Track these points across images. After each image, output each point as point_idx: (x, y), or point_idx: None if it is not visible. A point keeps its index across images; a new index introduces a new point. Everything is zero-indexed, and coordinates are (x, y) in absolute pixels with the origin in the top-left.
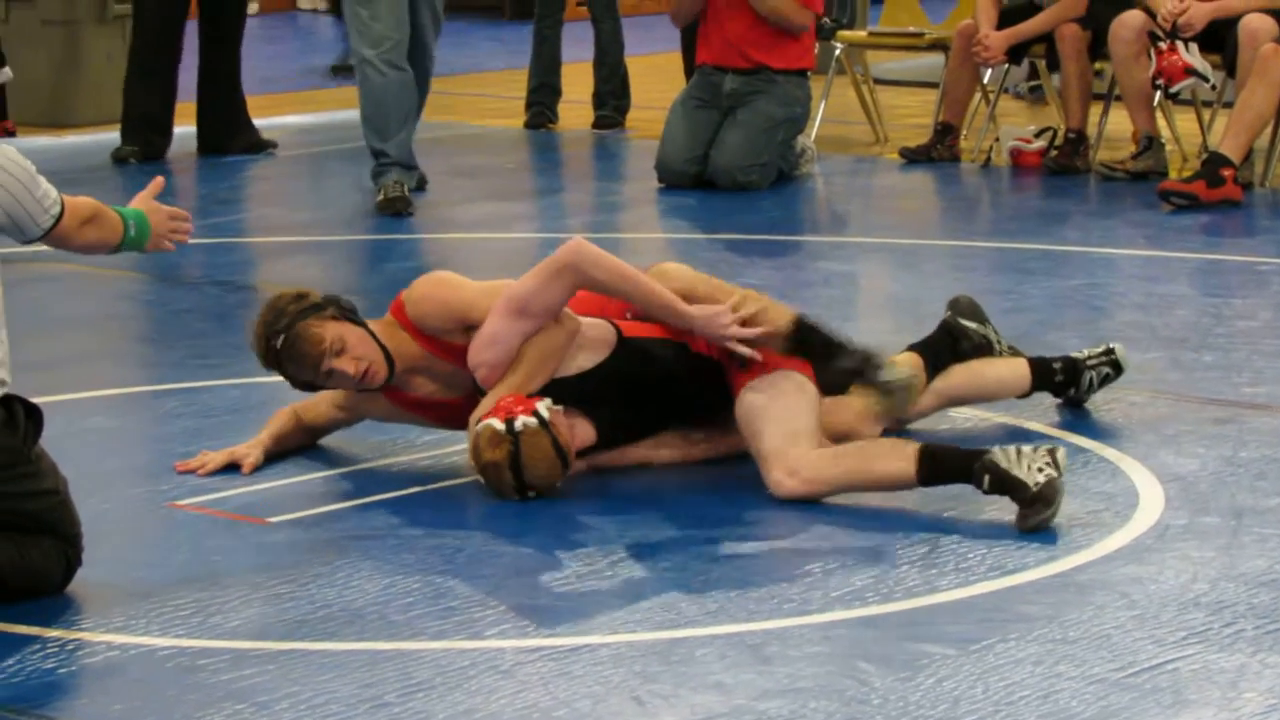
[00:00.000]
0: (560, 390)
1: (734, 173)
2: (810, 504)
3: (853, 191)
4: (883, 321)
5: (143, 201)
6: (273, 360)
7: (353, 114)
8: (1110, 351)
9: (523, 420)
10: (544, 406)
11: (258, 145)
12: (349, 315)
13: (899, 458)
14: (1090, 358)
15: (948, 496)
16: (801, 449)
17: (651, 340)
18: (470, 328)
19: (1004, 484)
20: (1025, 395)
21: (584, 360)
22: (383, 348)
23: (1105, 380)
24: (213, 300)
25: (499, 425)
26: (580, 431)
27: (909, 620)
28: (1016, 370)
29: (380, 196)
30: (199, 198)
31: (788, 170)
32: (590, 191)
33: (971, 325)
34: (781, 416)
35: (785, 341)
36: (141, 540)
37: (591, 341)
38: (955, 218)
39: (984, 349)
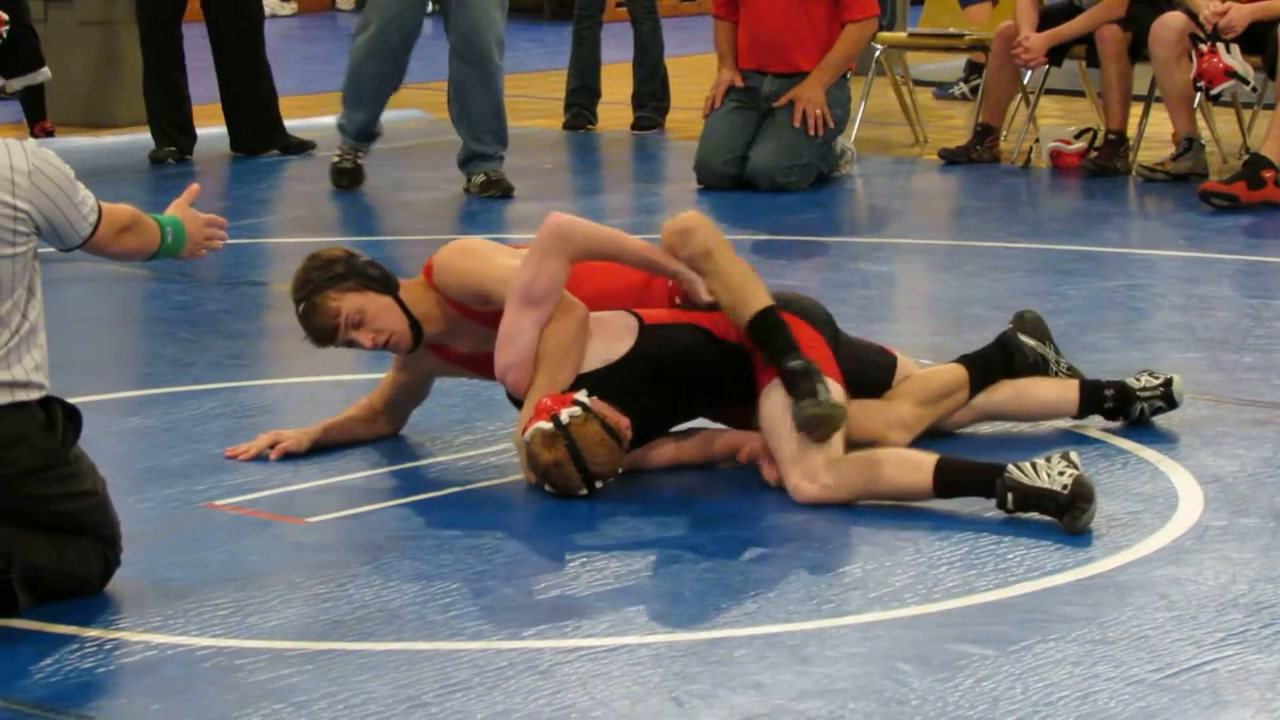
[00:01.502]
0: (589, 385)
1: (773, 174)
2: (846, 505)
3: (892, 193)
4: (921, 323)
5: (179, 208)
6: (299, 322)
7: (392, 114)
8: (1169, 384)
9: (567, 412)
10: (582, 394)
11: (295, 146)
12: (374, 283)
13: (916, 469)
14: (1145, 389)
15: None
16: (821, 455)
17: (675, 326)
18: (490, 302)
19: (1030, 499)
20: (1073, 418)
21: (608, 352)
22: (410, 316)
23: (1157, 412)
24: (249, 301)
25: (547, 425)
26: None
27: (947, 621)
28: (1064, 393)
29: (335, 158)
30: (233, 198)
31: (827, 171)
32: (629, 193)
33: (1030, 343)
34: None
35: (746, 328)
36: (179, 540)
37: (614, 332)
38: (995, 219)
39: (1038, 368)
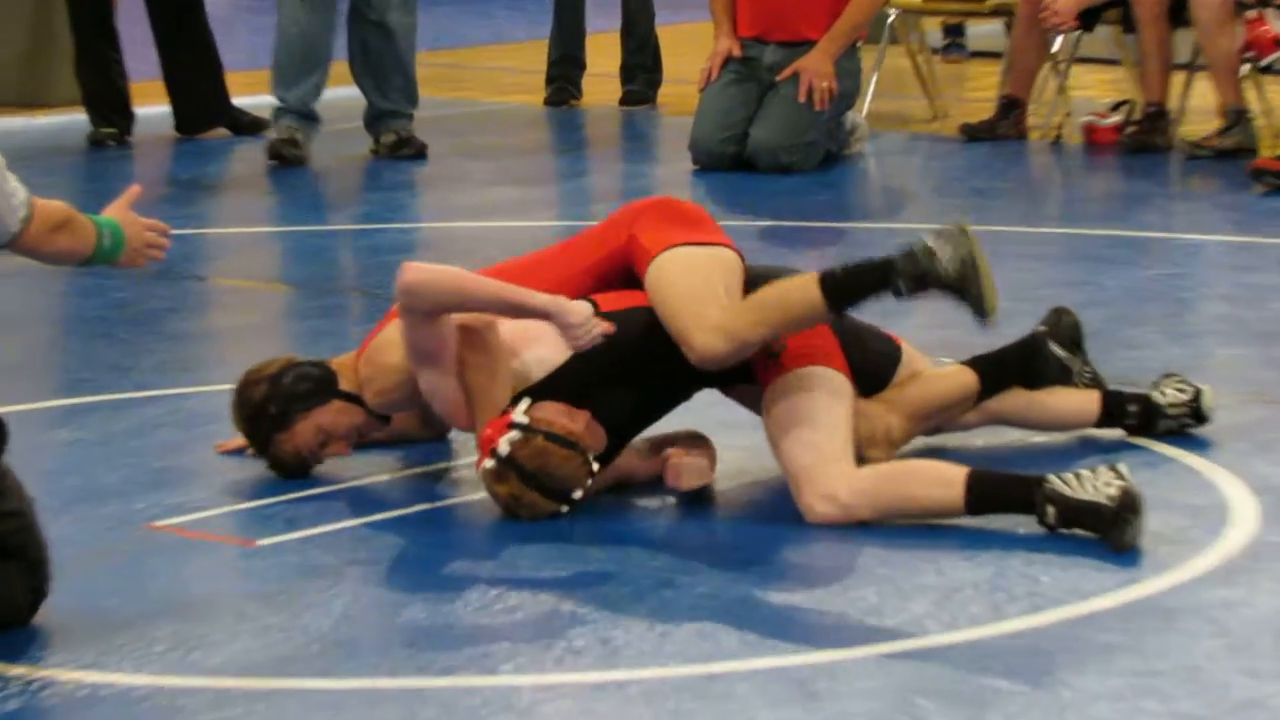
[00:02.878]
0: (540, 393)
1: (777, 153)
2: (867, 542)
3: (908, 172)
4: (939, 317)
5: (118, 210)
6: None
7: (354, 90)
8: (1196, 399)
9: (506, 440)
10: (519, 412)
11: (245, 125)
12: (313, 398)
13: (945, 484)
14: (1173, 406)
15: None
16: (837, 469)
17: (634, 309)
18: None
19: (1075, 513)
20: (1091, 426)
21: (550, 353)
22: (362, 405)
23: (1184, 429)
24: (194, 297)
25: (490, 462)
26: (590, 430)
27: (974, 652)
28: (1084, 406)
29: (272, 137)
30: (177, 184)
31: (836, 150)
32: (617, 174)
33: (1059, 354)
34: (814, 428)
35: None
36: (114, 566)
37: (552, 330)
38: (1023, 201)
39: (1060, 381)
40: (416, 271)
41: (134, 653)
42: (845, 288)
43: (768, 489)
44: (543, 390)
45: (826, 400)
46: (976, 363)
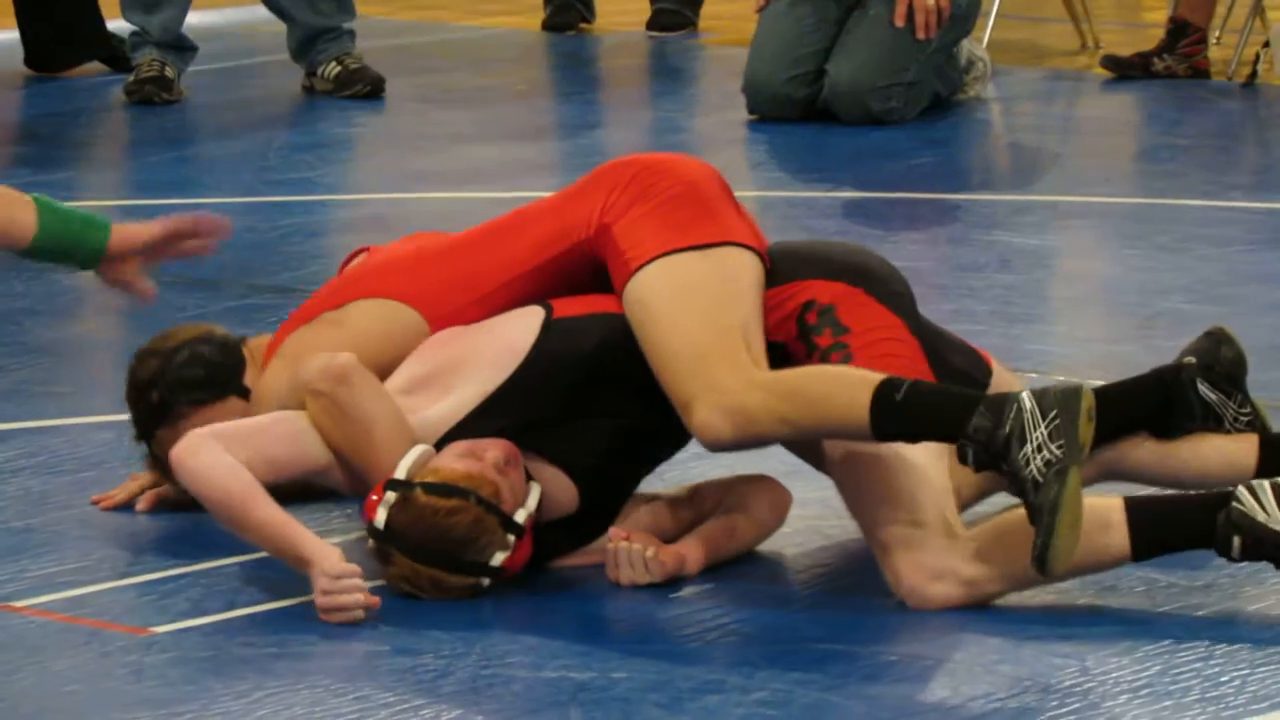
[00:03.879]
0: (465, 434)
1: (864, 98)
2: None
3: (1046, 125)
4: (1091, 325)
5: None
6: None
7: (265, 13)
8: None
9: (381, 511)
10: (401, 467)
11: (122, 57)
12: (207, 390)
13: (1102, 528)
14: None
15: (1185, 569)
16: (945, 537)
17: (597, 318)
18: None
19: (1261, 543)
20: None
21: (477, 385)
22: None
23: None
24: (62, 296)
25: (370, 544)
26: (511, 468)
27: None
28: (1234, 457)
29: (131, 78)
30: (30, 141)
31: (946, 93)
32: (642, 127)
33: (1210, 396)
34: (909, 480)
35: None
36: None
37: (499, 348)
38: (1201, 164)
39: (1207, 428)
40: (189, 454)
41: None
42: (902, 418)
43: (847, 554)
44: (469, 427)
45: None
46: (1094, 398)
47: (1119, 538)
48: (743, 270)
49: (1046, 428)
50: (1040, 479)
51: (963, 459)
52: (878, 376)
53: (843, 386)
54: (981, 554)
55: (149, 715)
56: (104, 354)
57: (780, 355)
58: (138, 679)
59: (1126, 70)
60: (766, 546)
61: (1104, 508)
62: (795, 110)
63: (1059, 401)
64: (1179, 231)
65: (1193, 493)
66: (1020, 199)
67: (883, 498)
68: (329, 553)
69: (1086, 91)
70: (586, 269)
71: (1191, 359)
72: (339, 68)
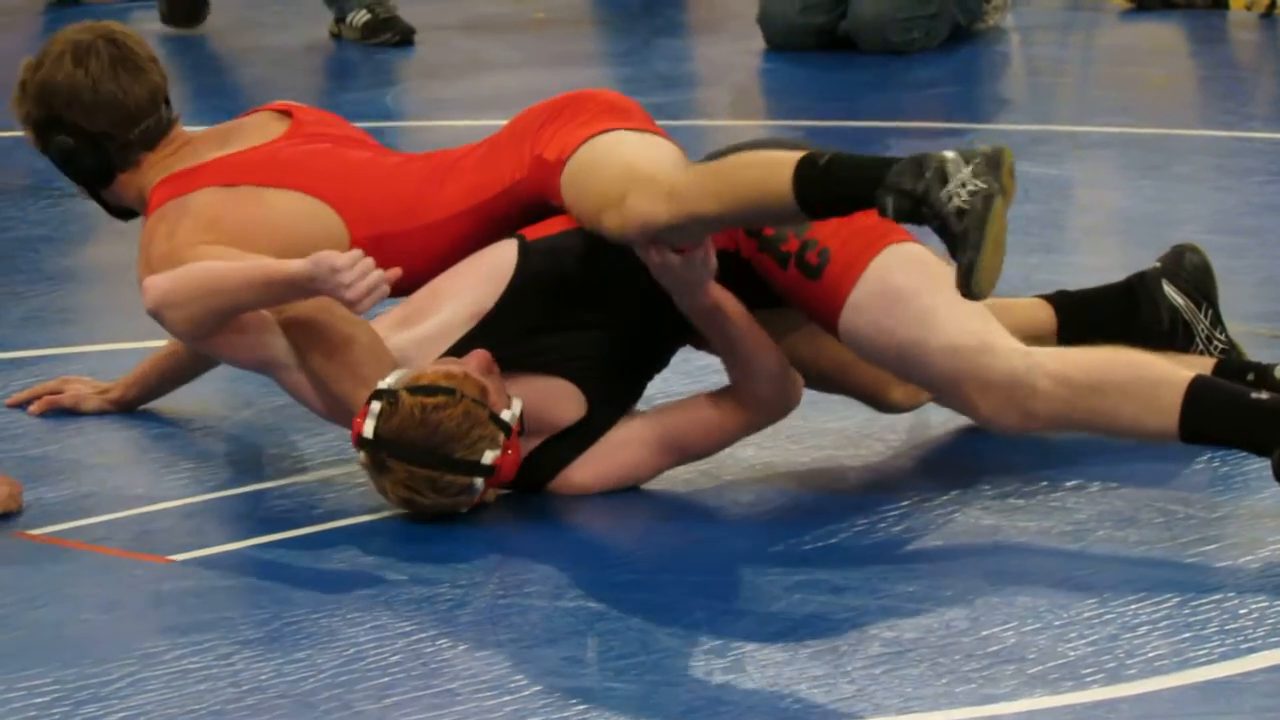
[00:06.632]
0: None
1: (884, 28)
2: (986, 533)
3: (1065, 55)
4: (1107, 254)
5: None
6: None
7: None
8: None
9: (369, 423)
10: (385, 381)
11: None
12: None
13: (1154, 390)
14: None
15: (1204, 501)
16: (1017, 359)
17: (568, 233)
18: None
19: None
20: None
21: (467, 306)
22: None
23: None
24: (78, 220)
25: (361, 456)
26: (553, 396)
27: (1149, 711)
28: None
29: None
30: None
31: (966, 23)
32: (661, 57)
33: (1177, 300)
34: (947, 316)
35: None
36: None
37: (480, 277)
38: (1219, 94)
39: (1174, 338)
40: (154, 293)
41: (6, 709)
42: (825, 183)
43: (864, 484)
44: (462, 351)
45: (927, 283)
46: (1058, 299)
47: (1170, 402)
48: (673, 146)
49: (970, 169)
50: (965, 207)
51: (883, 210)
52: (796, 155)
53: (767, 159)
54: (1060, 384)
55: (167, 644)
56: (119, 280)
57: (740, 267)
58: (156, 607)
59: (1146, 1)
60: (782, 477)
61: (1176, 375)
62: (812, 40)
63: (981, 152)
64: (1197, 162)
65: (1267, 396)
66: (1039, 129)
67: (939, 344)
68: (320, 255)
69: (1106, 22)
70: (521, 213)
71: (1157, 263)
72: (369, 15)
